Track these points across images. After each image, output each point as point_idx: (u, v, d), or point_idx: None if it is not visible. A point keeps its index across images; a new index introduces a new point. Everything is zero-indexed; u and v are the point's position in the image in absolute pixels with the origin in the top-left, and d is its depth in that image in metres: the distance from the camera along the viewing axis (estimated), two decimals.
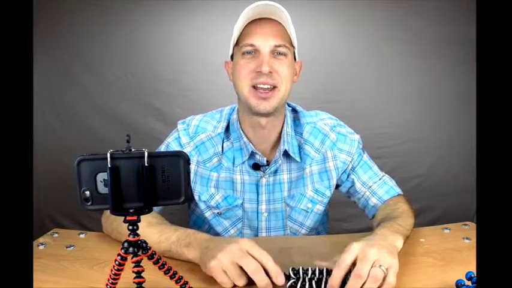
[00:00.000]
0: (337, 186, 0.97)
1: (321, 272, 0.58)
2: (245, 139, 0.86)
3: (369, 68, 1.93)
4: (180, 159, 0.46)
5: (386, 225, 0.71)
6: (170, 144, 0.91)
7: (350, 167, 0.93)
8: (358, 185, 0.92)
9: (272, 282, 0.57)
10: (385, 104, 1.95)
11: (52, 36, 1.82)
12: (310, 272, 0.58)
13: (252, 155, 0.87)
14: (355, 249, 0.56)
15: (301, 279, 0.57)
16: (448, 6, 1.85)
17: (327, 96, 1.88)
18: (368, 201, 0.91)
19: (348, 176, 0.93)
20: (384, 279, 0.54)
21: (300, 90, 1.82)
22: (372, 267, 0.54)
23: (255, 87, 0.79)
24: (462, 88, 1.87)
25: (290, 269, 0.59)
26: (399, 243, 0.66)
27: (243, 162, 0.88)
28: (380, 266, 0.54)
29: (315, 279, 0.57)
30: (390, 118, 1.96)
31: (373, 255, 0.55)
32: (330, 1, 1.86)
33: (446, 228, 0.84)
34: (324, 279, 0.57)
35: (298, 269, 0.59)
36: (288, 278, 0.58)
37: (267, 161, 0.89)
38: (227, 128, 0.91)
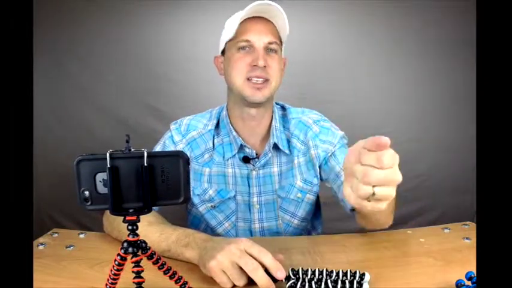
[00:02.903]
0: (322, 179, 0.96)
1: (320, 272, 0.58)
2: (234, 133, 0.90)
3: (369, 68, 1.93)
4: (180, 159, 0.46)
5: None
6: (165, 143, 0.94)
7: (330, 154, 0.92)
8: (337, 169, 0.89)
9: (273, 279, 0.57)
10: (385, 104, 1.95)
11: (52, 36, 1.82)
12: (310, 272, 0.58)
13: (241, 148, 0.90)
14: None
15: (300, 280, 0.57)
16: (448, 6, 1.85)
17: (327, 96, 1.88)
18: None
19: (327, 161, 0.92)
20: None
21: (300, 90, 1.84)
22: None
23: (248, 79, 0.83)
24: (462, 88, 1.87)
25: (290, 270, 0.59)
26: None
27: (233, 156, 0.91)
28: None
29: (315, 279, 0.57)
30: (390, 118, 1.96)
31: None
32: (330, 1, 1.86)
33: (446, 228, 0.84)
34: (323, 280, 0.56)
35: (298, 270, 0.59)
36: (287, 278, 0.58)
37: (257, 154, 0.91)
38: (217, 125, 0.94)
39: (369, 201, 0.44)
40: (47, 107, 1.87)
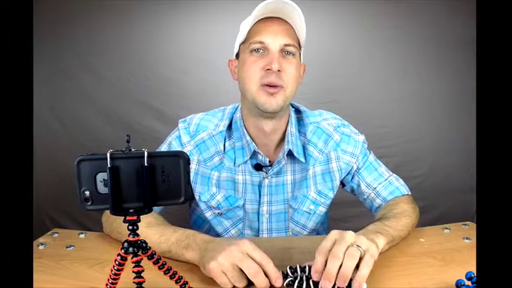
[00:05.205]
0: (342, 185, 0.96)
1: None
2: (248, 138, 0.85)
3: (369, 68, 1.93)
4: (180, 159, 0.46)
5: (370, 226, 0.71)
6: (172, 143, 0.90)
7: (355, 168, 0.92)
8: (363, 187, 0.91)
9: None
10: (385, 104, 1.95)
11: (52, 36, 1.82)
12: (307, 270, 0.58)
13: (254, 154, 0.86)
14: (333, 234, 0.58)
15: (298, 278, 0.57)
16: (448, 6, 1.85)
17: (327, 96, 1.89)
18: (373, 203, 0.91)
19: (352, 177, 0.93)
20: (361, 260, 0.55)
21: (301, 90, 1.83)
22: (348, 247, 0.55)
23: (262, 85, 0.78)
24: (462, 88, 1.87)
25: (288, 268, 0.59)
26: (379, 241, 0.65)
27: (245, 162, 0.87)
28: (357, 246, 0.55)
29: (312, 277, 0.57)
30: (390, 118, 1.96)
31: (350, 237, 0.57)
32: (329, 1, 1.86)
33: (446, 228, 0.84)
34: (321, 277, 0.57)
35: (296, 267, 0.59)
36: (285, 276, 0.58)
37: (270, 162, 0.87)
38: (229, 127, 0.89)
39: None
40: (47, 107, 1.88)
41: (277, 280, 0.57)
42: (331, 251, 0.55)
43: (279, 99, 0.78)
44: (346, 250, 0.55)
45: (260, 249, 0.59)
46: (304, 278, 0.57)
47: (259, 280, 0.56)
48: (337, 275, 0.53)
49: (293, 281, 0.57)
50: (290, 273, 0.58)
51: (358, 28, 1.89)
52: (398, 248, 0.74)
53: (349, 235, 0.57)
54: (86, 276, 0.64)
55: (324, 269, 0.55)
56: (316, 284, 0.56)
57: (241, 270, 0.57)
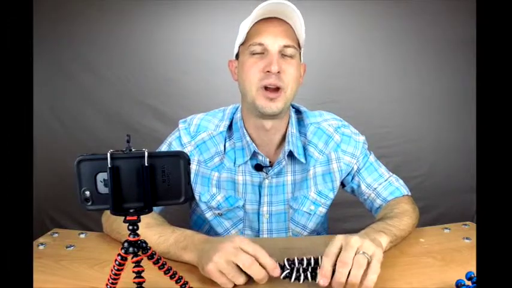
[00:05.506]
0: (343, 186, 0.96)
1: (316, 261, 0.58)
2: (248, 138, 0.85)
3: (369, 68, 1.93)
4: (180, 159, 0.46)
5: (373, 225, 0.72)
6: (172, 143, 0.90)
7: (355, 169, 0.92)
8: (363, 187, 0.91)
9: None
10: (385, 104, 1.95)
11: (52, 36, 1.82)
12: (305, 262, 0.58)
13: (254, 155, 0.86)
14: (339, 239, 0.58)
15: (295, 269, 0.57)
16: (448, 6, 1.85)
17: (327, 96, 1.89)
18: (373, 203, 0.91)
19: (352, 178, 0.93)
20: (368, 266, 0.55)
21: (301, 90, 1.82)
22: (355, 254, 0.55)
23: (262, 87, 0.77)
24: (462, 88, 1.87)
25: (285, 260, 0.59)
26: (383, 240, 0.66)
27: (245, 163, 0.87)
28: (363, 252, 0.55)
29: (310, 269, 0.57)
30: (390, 118, 1.96)
31: (356, 242, 0.56)
32: (329, 1, 1.86)
33: (446, 228, 0.84)
34: (318, 269, 0.57)
35: (293, 259, 0.59)
36: (282, 268, 0.58)
37: (270, 162, 0.87)
38: (230, 127, 0.89)
39: None
40: (47, 107, 1.88)
41: (274, 270, 0.57)
42: (339, 258, 0.55)
43: (279, 103, 0.78)
44: (354, 257, 0.55)
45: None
46: (301, 269, 0.57)
47: (254, 271, 0.56)
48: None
49: (290, 273, 0.57)
50: (287, 265, 0.58)
51: (358, 28, 1.89)
52: (398, 248, 0.74)
53: (355, 240, 0.57)
54: (86, 276, 0.64)
55: (331, 273, 0.55)
56: (313, 276, 0.56)
57: (239, 266, 0.57)
